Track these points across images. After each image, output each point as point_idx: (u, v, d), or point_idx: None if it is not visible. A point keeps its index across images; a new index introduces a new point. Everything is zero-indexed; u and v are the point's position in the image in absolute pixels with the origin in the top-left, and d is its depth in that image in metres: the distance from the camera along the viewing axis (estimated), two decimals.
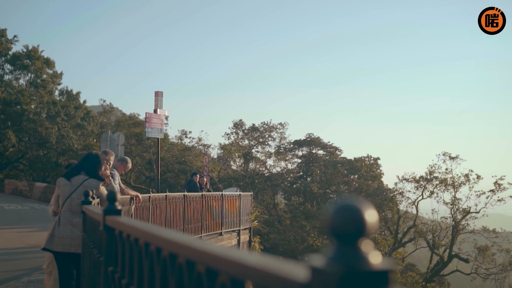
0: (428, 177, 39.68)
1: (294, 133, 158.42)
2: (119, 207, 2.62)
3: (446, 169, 38.86)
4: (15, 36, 57.84)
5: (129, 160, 9.88)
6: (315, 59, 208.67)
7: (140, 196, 10.89)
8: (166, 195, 15.11)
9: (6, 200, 33.17)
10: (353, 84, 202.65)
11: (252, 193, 24.99)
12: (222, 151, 44.60)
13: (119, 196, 8.07)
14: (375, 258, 0.81)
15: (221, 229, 19.61)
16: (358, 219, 0.81)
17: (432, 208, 39.52)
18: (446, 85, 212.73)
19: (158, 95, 20.01)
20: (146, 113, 20.16)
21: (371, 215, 0.84)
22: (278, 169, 44.88)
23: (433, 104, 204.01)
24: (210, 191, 21.94)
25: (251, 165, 44.56)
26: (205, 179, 22.39)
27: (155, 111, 19.98)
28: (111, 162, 8.22)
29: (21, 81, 58.22)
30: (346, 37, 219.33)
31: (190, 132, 46.30)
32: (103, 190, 6.26)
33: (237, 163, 44.88)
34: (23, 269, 10.97)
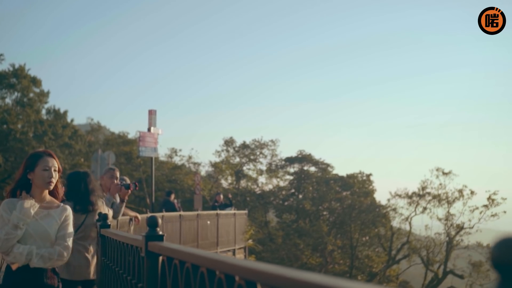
0: (421, 192, 39.46)
1: (286, 150, 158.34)
2: (160, 232, 2.56)
3: (440, 184, 38.69)
4: (1, 55, 57.17)
5: (115, 168, 8.70)
6: (307, 73, 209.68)
7: (140, 217, 10.49)
8: (162, 215, 14.74)
9: None
10: (343, 98, 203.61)
11: (247, 211, 24.66)
12: (213, 168, 44.22)
13: (110, 215, 7.65)
14: None
15: (217, 248, 19.27)
16: None
17: (425, 224, 39.30)
18: (438, 97, 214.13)
19: (151, 113, 19.70)
20: (139, 132, 19.85)
21: None
22: (270, 186, 44.54)
23: (423, 117, 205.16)
24: (232, 207, 21.94)
25: (243, 183, 44.19)
26: (221, 196, 22.45)
27: (149, 129, 19.63)
28: (118, 178, 7.80)
29: (7, 100, 57.41)
30: (337, 49, 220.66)
31: (180, 150, 45.93)
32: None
33: (228, 180, 44.49)
34: None
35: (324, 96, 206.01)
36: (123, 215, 9.49)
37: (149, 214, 13.92)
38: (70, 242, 4.05)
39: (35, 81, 57.09)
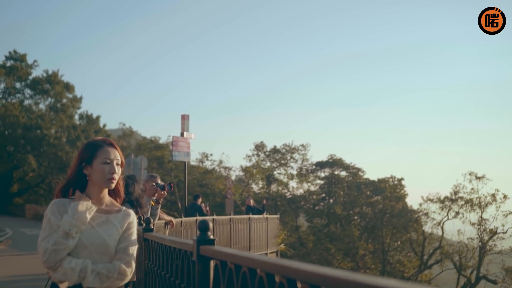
0: (453, 197, 39.01)
1: (316, 155, 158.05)
2: (211, 237, 2.54)
3: (472, 189, 38.21)
4: (35, 61, 58.43)
5: (157, 176, 8.61)
6: (339, 78, 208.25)
7: (174, 221, 10.61)
8: (196, 219, 14.84)
9: (28, 225, 33.08)
10: (375, 105, 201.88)
11: (278, 215, 24.68)
12: (243, 173, 44.34)
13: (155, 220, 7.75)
14: None
15: (249, 253, 19.30)
16: None
17: (457, 229, 38.80)
18: (470, 103, 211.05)
19: (184, 118, 19.88)
20: (173, 136, 20.04)
21: None
22: (301, 191, 44.48)
23: (454, 123, 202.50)
24: (264, 212, 22.04)
25: (273, 187, 44.22)
26: (251, 201, 22.53)
27: (182, 134, 19.81)
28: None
29: (41, 106, 58.76)
30: (366, 57, 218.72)
31: (211, 154, 46.17)
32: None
33: (259, 185, 44.55)
34: None
35: (355, 102, 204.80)
36: (159, 219, 9.63)
37: (183, 218, 14.08)
38: (134, 256, 3.20)
39: (68, 87, 58.11)
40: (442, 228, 38.98)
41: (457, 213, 38.69)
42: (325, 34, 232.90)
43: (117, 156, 3.20)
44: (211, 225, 2.56)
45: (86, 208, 3.07)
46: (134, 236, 3.25)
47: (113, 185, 3.18)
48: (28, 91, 58.03)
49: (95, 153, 3.15)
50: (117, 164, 3.19)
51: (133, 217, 3.29)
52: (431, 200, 39.68)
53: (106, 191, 3.24)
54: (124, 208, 3.32)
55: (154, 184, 7.73)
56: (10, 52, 57.05)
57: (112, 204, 3.28)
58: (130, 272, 3.14)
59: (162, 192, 7.79)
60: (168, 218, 10.22)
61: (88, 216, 3.06)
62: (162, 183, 7.92)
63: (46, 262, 3.00)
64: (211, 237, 2.54)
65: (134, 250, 3.20)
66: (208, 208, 20.39)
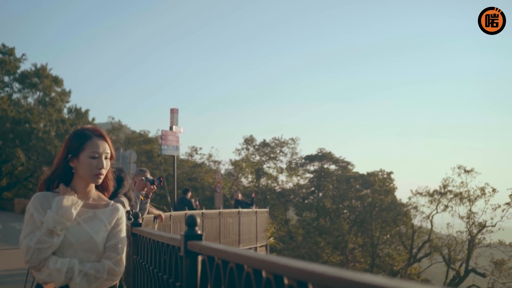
0: (442, 190, 39.21)
1: (306, 148, 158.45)
2: (199, 232, 2.48)
3: (462, 182, 38.41)
4: (23, 54, 57.98)
5: (146, 170, 8.56)
6: (328, 73, 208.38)
7: (163, 215, 10.56)
8: (185, 213, 14.81)
9: (17, 219, 32.88)
10: (364, 99, 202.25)
11: (268, 209, 24.69)
12: (232, 167, 44.33)
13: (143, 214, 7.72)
14: None
15: (238, 246, 19.31)
16: None
17: (447, 222, 39.00)
18: (459, 97, 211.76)
19: (173, 112, 19.78)
20: (162, 130, 19.95)
21: None
22: (290, 184, 44.55)
23: (444, 116, 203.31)
24: (253, 205, 22.05)
25: (263, 181, 44.25)
26: (239, 195, 22.51)
27: (171, 128, 19.73)
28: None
29: (30, 100, 58.35)
30: (359, 51, 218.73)
31: (200, 148, 46.14)
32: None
33: (248, 179, 44.57)
34: None
35: (344, 96, 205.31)
36: (148, 213, 9.60)
37: (172, 213, 14.04)
38: (123, 254, 2.93)
39: (57, 81, 57.75)
40: (431, 221, 39.21)
41: (446, 206, 38.92)
42: (316, 30, 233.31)
43: (106, 149, 2.91)
44: (199, 220, 2.53)
45: (72, 203, 2.79)
46: (124, 233, 2.99)
47: (100, 181, 2.90)
48: (16, 85, 57.62)
49: (82, 145, 2.86)
50: (106, 158, 2.91)
51: (122, 212, 3.03)
52: (420, 194, 39.90)
53: (93, 185, 2.97)
54: (112, 202, 3.04)
55: (143, 178, 7.70)
56: None
57: (100, 198, 3.01)
58: (120, 271, 2.90)
59: (152, 187, 7.76)
60: (157, 212, 10.18)
61: (74, 212, 2.78)
62: (152, 178, 7.89)
63: (29, 262, 2.74)
64: (199, 232, 2.50)
65: (124, 247, 2.95)
66: (198, 203, 20.34)
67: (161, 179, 7.98)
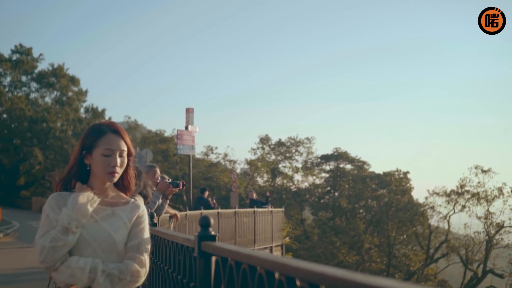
0: (460, 190, 38.95)
1: (321, 148, 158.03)
2: (213, 233, 2.53)
3: (479, 182, 38.13)
4: (40, 54, 58.53)
5: (156, 166, 8.66)
6: (344, 73, 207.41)
7: (179, 214, 10.57)
8: (201, 212, 14.84)
9: (35, 217, 33.12)
10: (381, 100, 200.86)
11: (283, 209, 24.66)
12: (248, 166, 44.34)
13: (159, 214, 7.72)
14: None
15: (254, 246, 19.31)
16: None
17: (464, 222, 38.74)
18: (477, 97, 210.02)
19: (189, 111, 19.84)
20: (177, 130, 20.03)
21: None
22: (306, 184, 44.48)
23: (460, 116, 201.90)
24: (268, 204, 22.04)
25: (278, 181, 44.23)
26: (254, 194, 22.51)
27: (186, 127, 19.78)
28: (158, 175, 7.87)
29: (47, 99, 58.87)
30: (375, 52, 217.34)
31: (216, 148, 46.21)
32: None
33: (264, 178, 44.56)
34: None
35: (360, 97, 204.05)
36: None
37: (188, 212, 14.07)
38: (147, 256, 2.74)
39: (74, 80, 58.20)
40: (448, 221, 38.96)
41: (464, 206, 38.65)
42: (332, 30, 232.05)
43: (121, 145, 2.72)
44: (213, 220, 2.53)
45: (88, 199, 2.63)
46: (147, 232, 2.82)
47: (115, 179, 2.72)
48: (34, 85, 58.17)
49: (96, 141, 2.70)
50: (121, 156, 2.72)
51: (143, 210, 2.83)
52: (437, 194, 39.68)
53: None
54: (132, 199, 2.85)
55: (167, 180, 7.71)
56: (16, 46, 57.22)
57: (119, 196, 2.82)
58: (144, 273, 2.69)
59: (174, 189, 7.77)
60: (172, 211, 10.19)
61: (90, 209, 2.62)
62: (177, 181, 7.91)
63: (44, 262, 2.55)
64: (213, 233, 2.52)
65: (147, 248, 2.76)
66: (215, 201, 20.36)
67: (184, 183, 8.01)
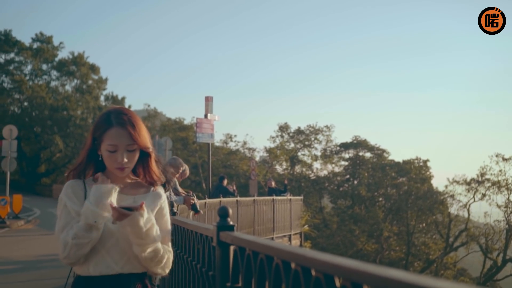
0: (480, 179, 38.63)
1: (340, 136, 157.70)
2: (231, 223, 2.57)
3: (500, 170, 37.78)
4: (61, 42, 58.95)
5: (179, 160, 8.70)
6: (364, 63, 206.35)
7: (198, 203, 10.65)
8: (220, 201, 14.91)
9: (55, 205, 33.27)
10: (400, 90, 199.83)
11: (302, 197, 24.67)
12: (267, 154, 44.35)
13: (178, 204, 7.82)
14: None
15: (273, 234, 19.36)
16: None
17: (484, 211, 38.44)
18: (497, 86, 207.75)
19: (208, 100, 19.88)
20: (197, 118, 20.12)
21: None
22: (325, 172, 44.40)
23: (480, 104, 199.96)
24: (286, 192, 22.11)
25: (297, 169, 44.20)
26: (272, 182, 22.57)
27: (206, 116, 19.84)
28: (181, 170, 7.99)
29: (67, 87, 59.34)
30: (396, 43, 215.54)
31: (235, 135, 46.23)
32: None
33: (283, 166, 44.55)
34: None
35: (379, 86, 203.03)
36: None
37: (207, 200, 14.14)
38: (170, 245, 2.67)
39: (94, 68, 58.57)
40: (468, 210, 38.68)
41: (484, 195, 38.35)
42: (354, 21, 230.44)
43: (127, 140, 2.51)
44: (231, 210, 2.57)
45: (110, 192, 2.47)
46: (169, 223, 2.71)
47: (125, 174, 2.57)
48: (54, 73, 58.62)
49: (102, 135, 2.52)
50: (129, 151, 2.52)
51: (164, 199, 2.71)
52: (457, 182, 39.38)
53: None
54: (152, 188, 2.70)
55: (193, 198, 8.11)
56: (36, 34, 57.66)
57: (138, 184, 2.69)
58: (170, 263, 2.64)
59: (191, 210, 8.35)
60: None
61: (114, 201, 2.46)
62: (198, 209, 8.56)
63: (67, 258, 2.44)
64: (231, 223, 2.56)
65: (169, 238, 2.68)
66: (235, 187, 20.40)
67: (200, 212, 8.84)
